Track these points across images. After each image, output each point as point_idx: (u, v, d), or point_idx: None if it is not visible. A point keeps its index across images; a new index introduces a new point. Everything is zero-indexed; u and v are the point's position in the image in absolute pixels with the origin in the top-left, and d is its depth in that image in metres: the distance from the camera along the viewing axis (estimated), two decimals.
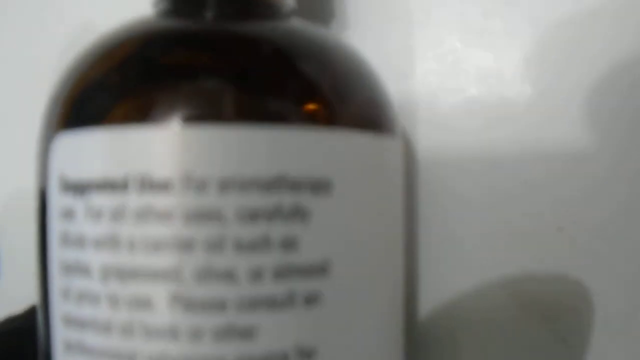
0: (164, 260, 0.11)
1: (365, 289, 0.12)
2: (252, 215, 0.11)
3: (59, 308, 0.12)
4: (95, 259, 0.11)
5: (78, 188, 0.11)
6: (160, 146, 0.11)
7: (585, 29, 0.16)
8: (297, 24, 0.13)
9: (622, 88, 0.15)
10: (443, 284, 0.17)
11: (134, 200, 0.11)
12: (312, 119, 0.12)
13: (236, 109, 0.11)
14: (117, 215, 0.11)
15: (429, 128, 0.17)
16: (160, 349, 0.11)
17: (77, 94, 0.12)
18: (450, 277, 0.17)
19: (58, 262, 0.12)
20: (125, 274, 0.11)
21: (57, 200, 0.12)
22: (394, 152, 0.13)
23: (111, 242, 0.11)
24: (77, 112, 0.12)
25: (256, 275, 0.11)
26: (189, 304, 0.11)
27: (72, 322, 0.11)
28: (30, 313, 0.19)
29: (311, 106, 0.12)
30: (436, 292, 0.17)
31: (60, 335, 0.12)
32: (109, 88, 0.12)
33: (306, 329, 0.11)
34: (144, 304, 0.11)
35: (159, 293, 0.11)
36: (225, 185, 0.11)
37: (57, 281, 0.12)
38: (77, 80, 0.12)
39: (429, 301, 0.17)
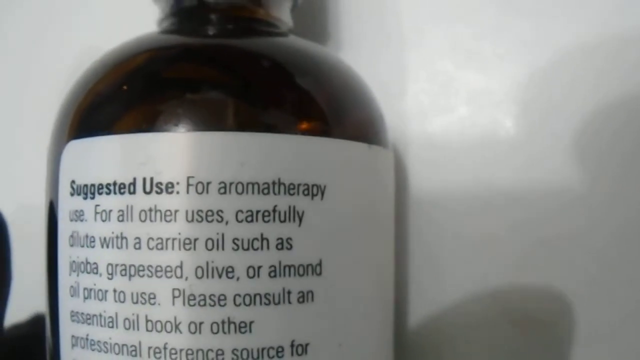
0: (168, 257, 0.11)
1: (357, 288, 0.13)
2: (250, 216, 0.11)
3: (67, 304, 0.12)
4: (103, 256, 0.12)
5: (87, 191, 0.12)
6: (166, 152, 0.12)
7: (577, 58, 0.17)
8: (295, 41, 0.14)
9: (613, 126, 0.16)
10: (432, 295, 0.18)
11: (140, 201, 0.11)
12: (308, 130, 0.13)
13: (236, 119, 0.12)
14: (125, 215, 0.12)
15: (420, 144, 0.18)
16: (163, 341, 0.11)
17: (87, 105, 0.13)
18: (439, 289, 0.18)
19: (67, 260, 0.12)
20: (131, 271, 0.11)
21: (67, 203, 0.12)
22: (385, 162, 0.14)
23: (119, 241, 0.12)
24: (86, 122, 0.13)
25: (253, 272, 0.11)
26: (190, 299, 0.11)
27: (79, 317, 0.12)
28: (34, 321, 0.19)
29: (307, 118, 0.13)
30: (425, 304, 0.18)
31: (67, 330, 0.12)
32: (118, 99, 0.13)
33: (300, 324, 0.12)
34: (148, 298, 0.11)
35: (163, 288, 0.11)
36: (226, 188, 0.11)
37: (65, 279, 0.12)
38: (87, 92, 0.13)
39: (417, 313, 0.18)
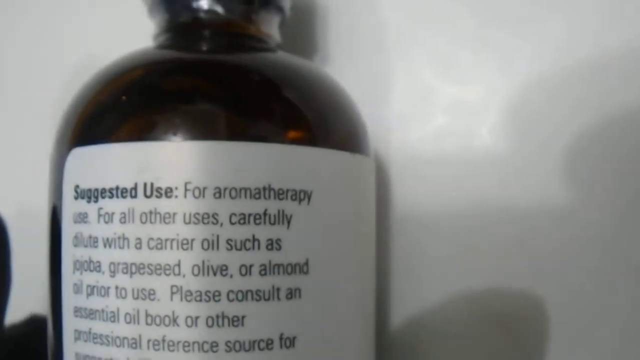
0: (167, 256, 0.12)
1: (341, 285, 0.14)
2: (243, 219, 0.12)
3: (70, 300, 0.13)
4: (106, 256, 0.13)
5: (91, 195, 0.13)
6: (165, 159, 0.13)
7: (559, 69, 0.18)
8: (283, 56, 0.15)
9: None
10: (412, 297, 0.19)
11: (141, 204, 0.12)
12: (296, 140, 0.14)
13: (230, 130, 0.13)
14: (127, 217, 0.12)
15: (401, 152, 0.19)
16: (162, 334, 0.12)
17: (90, 114, 0.14)
18: (419, 291, 0.19)
19: (70, 260, 0.13)
20: (132, 269, 0.12)
21: (71, 206, 0.13)
22: (367, 170, 0.15)
23: (120, 241, 0.13)
24: (89, 130, 0.14)
25: (245, 270, 0.12)
26: (187, 295, 0.12)
27: (82, 312, 0.13)
28: (29, 322, 0.20)
29: (295, 129, 0.14)
30: (405, 306, 0.19)
31: (71, 324, 0.13)
32: (120, 109, 0.14)
33: (288, 319, 0.13)
34: (148, 294, 0.12)
35: (162, 285, 0.12)
36: (220, 193, 0.12)
37: (69, 277, 0.13)
38: (90, 102, 0.14)
39: (398, 315, 0.19)
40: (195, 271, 0.12)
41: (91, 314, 0.13)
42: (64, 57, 0.22)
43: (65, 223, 0.13)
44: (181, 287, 0.12)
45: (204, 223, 0.12)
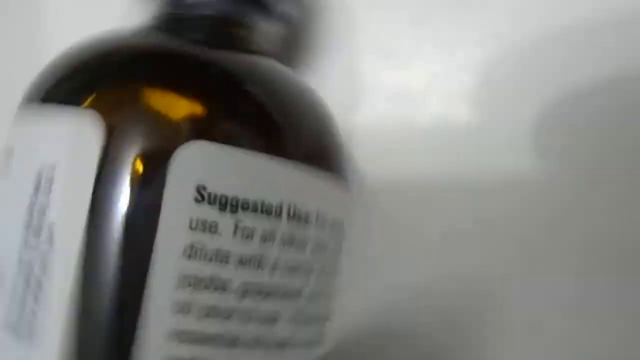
0: (295, 282, 0.12)
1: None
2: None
3: (167, 322, 0.11)
4: (237, 275, 0.11)
5: (227, 203, 0.11)
6: (303, 184, 0.12)
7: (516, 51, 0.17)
8: (274, 64, 0.15)
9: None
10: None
11: (283, 226, 0.12)
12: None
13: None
14: (268, 237, 0.12)
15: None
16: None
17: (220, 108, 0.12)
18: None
19: (174, 273, 0.11)
20: (263, 292, 0.12)
21: (188, 210, 0.11)
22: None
23: (257, 262, 0.12)
24: (222, 128, 0.12)
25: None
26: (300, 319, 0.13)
27: (184, 336, 0.11)
28: None
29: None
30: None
31: (161, 350, 0.11)
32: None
33: None
34: (271, 319, 0.12)
35: (285, 309, 0.12)
36: (337, 226, 0.13)
37: (167, 293, 0.11)
38: None
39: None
40: None
41: (202, 339, 0.11)
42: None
43: (173, 228, 0.11)
44: (299, 311, 0.12)
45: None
